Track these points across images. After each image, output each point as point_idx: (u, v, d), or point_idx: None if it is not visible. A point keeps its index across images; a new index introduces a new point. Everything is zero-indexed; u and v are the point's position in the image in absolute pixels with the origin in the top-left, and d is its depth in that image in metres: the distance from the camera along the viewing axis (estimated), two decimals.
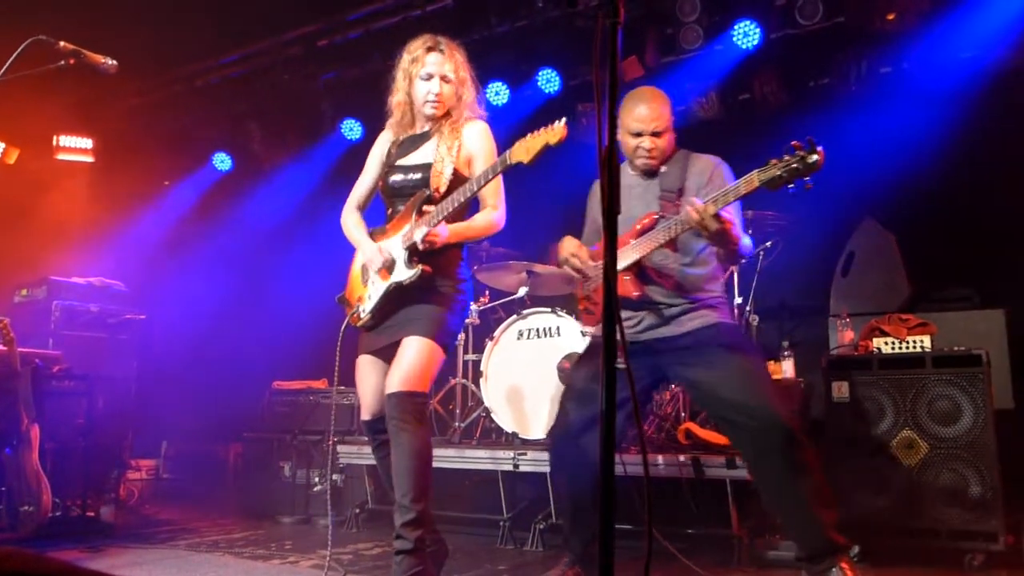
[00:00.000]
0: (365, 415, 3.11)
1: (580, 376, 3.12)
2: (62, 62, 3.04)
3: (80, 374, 4.76)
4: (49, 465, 4.27)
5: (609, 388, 1.40)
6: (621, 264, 2.96)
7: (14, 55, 2.85)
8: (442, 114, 3.09)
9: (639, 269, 2.98)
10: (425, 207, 2.95)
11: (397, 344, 2.96)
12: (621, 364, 2.90)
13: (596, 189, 3.33)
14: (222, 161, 7.35)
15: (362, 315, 3.09)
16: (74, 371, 4.75)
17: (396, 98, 3.14)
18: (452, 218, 2.97)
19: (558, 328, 4.64)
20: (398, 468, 2.84)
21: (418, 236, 2.87)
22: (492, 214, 3.04)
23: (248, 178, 7.28)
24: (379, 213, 3.30)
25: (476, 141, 3.06)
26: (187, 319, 6.54)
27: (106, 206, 6.98)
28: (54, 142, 7.01)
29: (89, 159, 7.11)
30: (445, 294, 3.01)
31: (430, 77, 3.04)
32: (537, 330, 4.71)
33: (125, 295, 5.62)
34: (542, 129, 2.67)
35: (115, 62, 3.15)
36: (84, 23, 4.68)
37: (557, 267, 4.97)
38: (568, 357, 4.49)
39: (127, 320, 5.48)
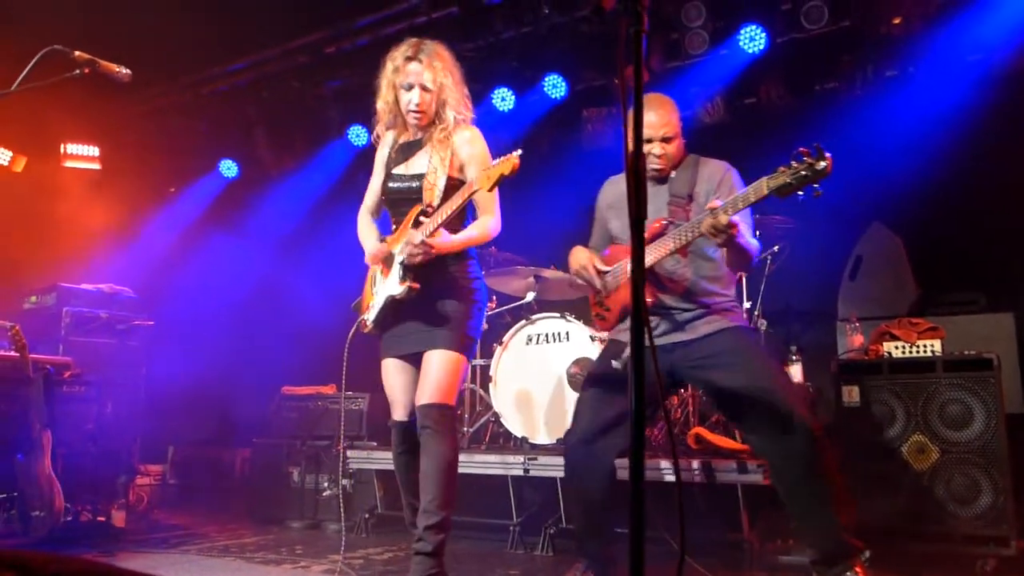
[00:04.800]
0: (398, 414, 3.14)
1: (593, 381, 3.12)
2: (77, 71, 3.04)
3: (90, 380, 4.77)
4: (60, 470, 4.28)
5: (638, 391, 1.40)
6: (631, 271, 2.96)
7: (30, 65, 2.85)
8: (427, 122, 3.14)
9: (650, 275, 2.98)
10: (421, 218, 3.02)
11: (421, 353, 3.05)
12: (617, 363, 2.93)
13: (606, 191, 3.33)
14: (228, 168, 7.37)
15: (368, 323, 3.19)
16: (84, 377, 4.75)
17: (380, 104, 3.19)
18: (450, 228, 3.04)
19: (567, 333, 4.64)
20: (427, 473, 2.90)
21: (416, 238, 2.92)
22: (489, 221, 3.10)
23: (255, 185, 7.31)
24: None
25: (467, 147, 3.11)
26: (195, 325, 6.56)
27: (113, 213, 6.99)
28: (61, 150, 7.05)
29: (96, 166, 7.14)
30: (459, 303, 3.06)
31: (411, 87, 3.08)
32: (546, 335, 4.71)
33: (134, 301, 5.63)
34: (500, 159, 2.75)
35: (129, 71, 3.15)
36: (87, 30, 4.69)
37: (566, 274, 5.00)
38: (578, 362, 4.49)
39: (136, 326, 5.49)
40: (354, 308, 3.33)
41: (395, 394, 3.15)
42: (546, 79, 5.86)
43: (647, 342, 1.37)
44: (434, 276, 3.03)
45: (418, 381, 3.03)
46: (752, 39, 5.19)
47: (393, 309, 3.09)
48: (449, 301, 3.05)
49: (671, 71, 5.55)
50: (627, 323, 3.08)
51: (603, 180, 3.36)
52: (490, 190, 2.77)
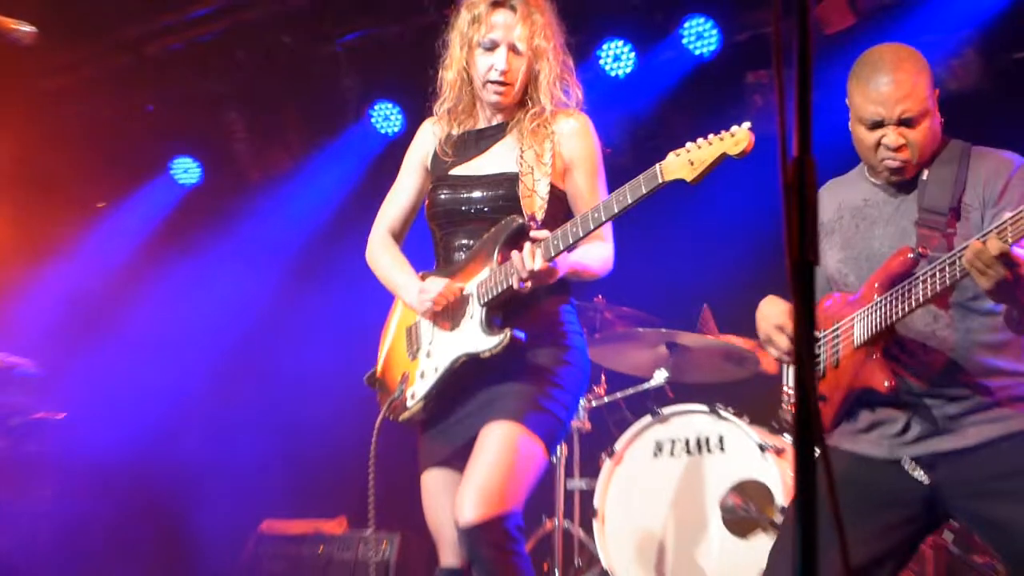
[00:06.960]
0: (448, 558, 3.15)
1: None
2: None
3: None
4: None
5: (807, 539, 1.34)
6: (862, 335, 2.93)
7: None
8: (513, 102, 3.23)
9: (892, 341, 2.92)
10: (534, 236, 3.01)
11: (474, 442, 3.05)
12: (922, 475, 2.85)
13: (820, 203, 3.28)
14: (186, 170, 7.55)
15: (409, 403, 3.19)
16: None
17: (449, 75, 3.31)
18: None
19: (720, 439, 4.61)
20: None
21: (535, 264, 2.90)
22: (607, 249, 3.20)
23: (227, 195, 7.47)
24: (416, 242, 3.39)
25: (576, 142, 3.21)
26: (131, 419, 6.66)
27: (11, 244, 7.21)
28: None
29: None
30: (545, 364, 3.11)
31: (494, 46, 3.18)
32: (686, 442, 4.69)
33: (37, 381, 5.77)
34: (712, 136, 2.78)
35: (33, 28, 3.27)
36: None
37: (719, 336, 4.93)
38: (740, 488, 4.44)
39: (40, 421, 5.61)
40: (368, 382, 3.36)
41: (443, 526, 3.14)
42: (685, 26, 5.86)
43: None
44: (516, 316, 3.07)
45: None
46: None
47: (463, 377, 3.11)
48: (527, 362, 3.08)
49: (887, 10, 5.53)
50: (857, 423, 3.04)
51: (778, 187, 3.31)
52: (694, 181, 2.80)
